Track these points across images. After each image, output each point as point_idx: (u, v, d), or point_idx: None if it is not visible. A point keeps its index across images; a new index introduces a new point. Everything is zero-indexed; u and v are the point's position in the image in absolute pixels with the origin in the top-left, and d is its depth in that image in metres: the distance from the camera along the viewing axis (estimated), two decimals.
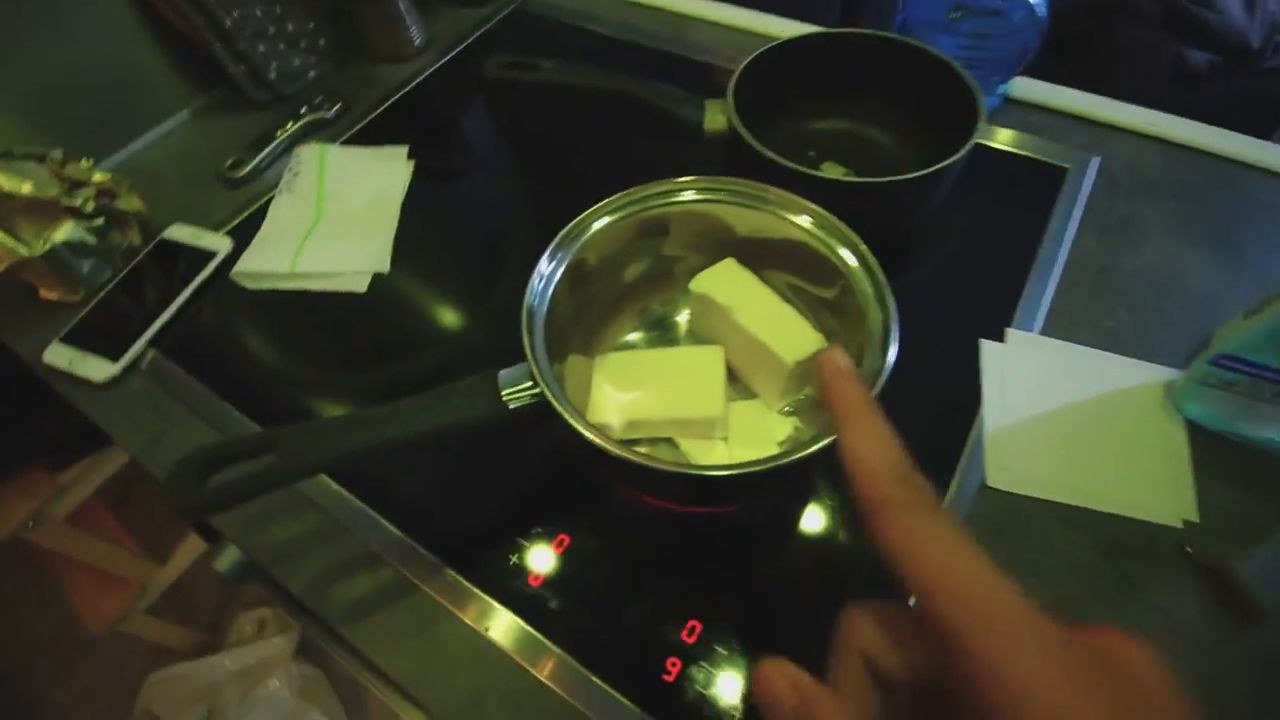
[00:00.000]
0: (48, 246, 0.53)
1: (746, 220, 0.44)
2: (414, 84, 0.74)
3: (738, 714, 0.37)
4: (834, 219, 0.40)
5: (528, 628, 0.40)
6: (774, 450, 0.43)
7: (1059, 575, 0.41)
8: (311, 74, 0.73)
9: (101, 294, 0.57)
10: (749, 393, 0.46)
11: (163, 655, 1.21)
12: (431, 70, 0.75)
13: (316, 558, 0.44)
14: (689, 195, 0.43)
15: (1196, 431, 0.45)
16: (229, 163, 0.65)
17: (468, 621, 0.41)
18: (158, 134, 0.71)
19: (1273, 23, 0.98)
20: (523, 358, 0.36)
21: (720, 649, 0.39)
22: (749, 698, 0.37)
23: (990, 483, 0.44)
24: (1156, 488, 0.44)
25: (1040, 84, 0.65)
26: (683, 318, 0.49)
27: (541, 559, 0.42)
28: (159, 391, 0.52)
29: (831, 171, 0.57)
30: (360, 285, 0.56)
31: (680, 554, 0.43)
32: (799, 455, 0.32)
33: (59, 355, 0.53)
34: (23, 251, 0.53)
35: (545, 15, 0.81)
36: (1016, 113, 0.64)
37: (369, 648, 0.40)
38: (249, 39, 0.67)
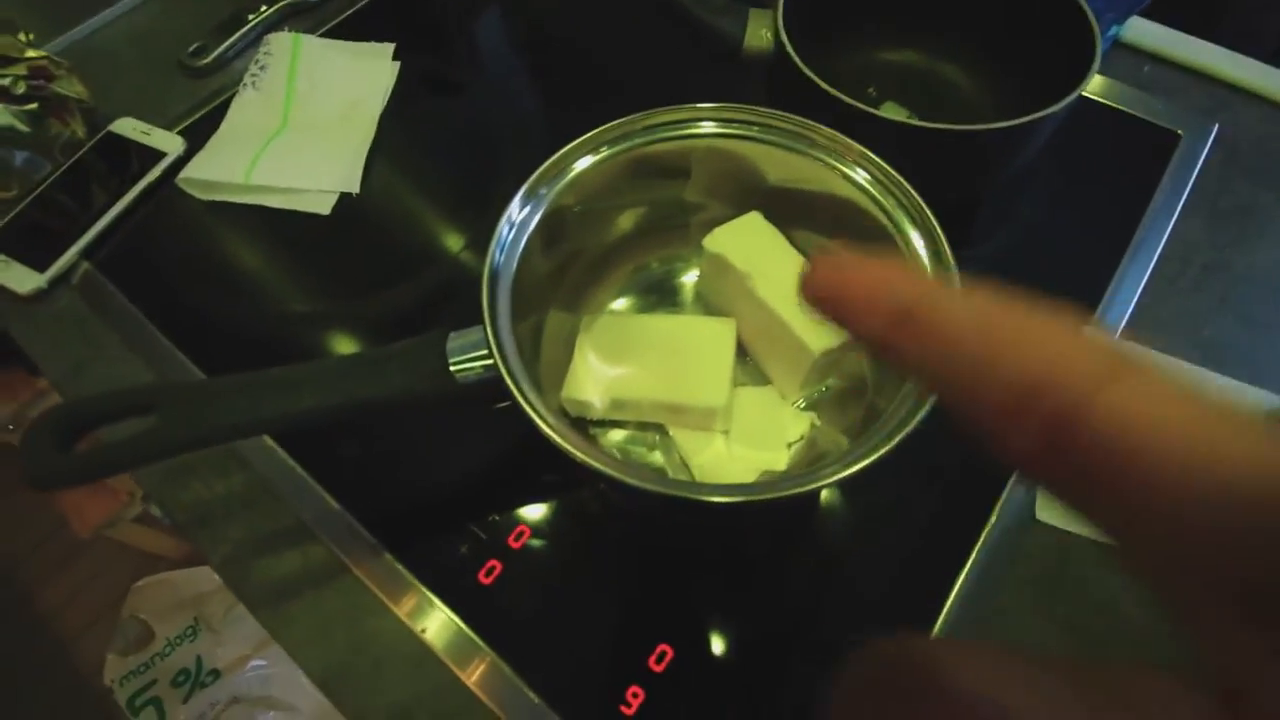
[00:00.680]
0: None
1: (782, 165, 0.35)
2: None
3: None
4: (901, 179, 0.31)
5: (469, 631, 0.34)
6: (781, 453, 0.36)
7: (1118, 631, 0.34)
8: None
9: (36, 192, 0.50)
10: (761, 378, 0.38)
11: (152, 562, 1.22)
12: None
13: (240, 524, 0.38)
14: (707, 127, 0.34)
15: None
16: (192, 48, 0.56)
17: (402, 617, 0.35)
18: (120, 9, 0.62)
19: None
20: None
21: (693, 682, 0.33)
22: None
23: (1040, 516, 0.36)
24: None
25: (1161, 29, 0.53)
26: (688, 280, 0.41)
27: (495, 552, 0.36)
28: (88, 312, 0.46)
29: (893, 114, 0.47)
30: (324, 206, 0.49)
31: (657, 564, 0.36)
32: (835, 478, 0.25)
33: None
34: None
35: None
36: (1127, 61, 0.53)
37: (288, 636, 0.35)
38: None
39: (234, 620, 1.10)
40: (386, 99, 0.54)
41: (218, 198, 0.49)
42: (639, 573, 0.36)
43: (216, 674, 1.07)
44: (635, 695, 0.32)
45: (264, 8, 0.58)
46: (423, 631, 0.34)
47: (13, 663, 1.21)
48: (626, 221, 0.38)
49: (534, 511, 0.37)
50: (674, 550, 0.37)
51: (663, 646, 0.34)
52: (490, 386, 0.29)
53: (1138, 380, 0.09)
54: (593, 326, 0.38)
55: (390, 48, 0.56)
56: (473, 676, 0.33)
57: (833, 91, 0.38)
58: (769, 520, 0.38)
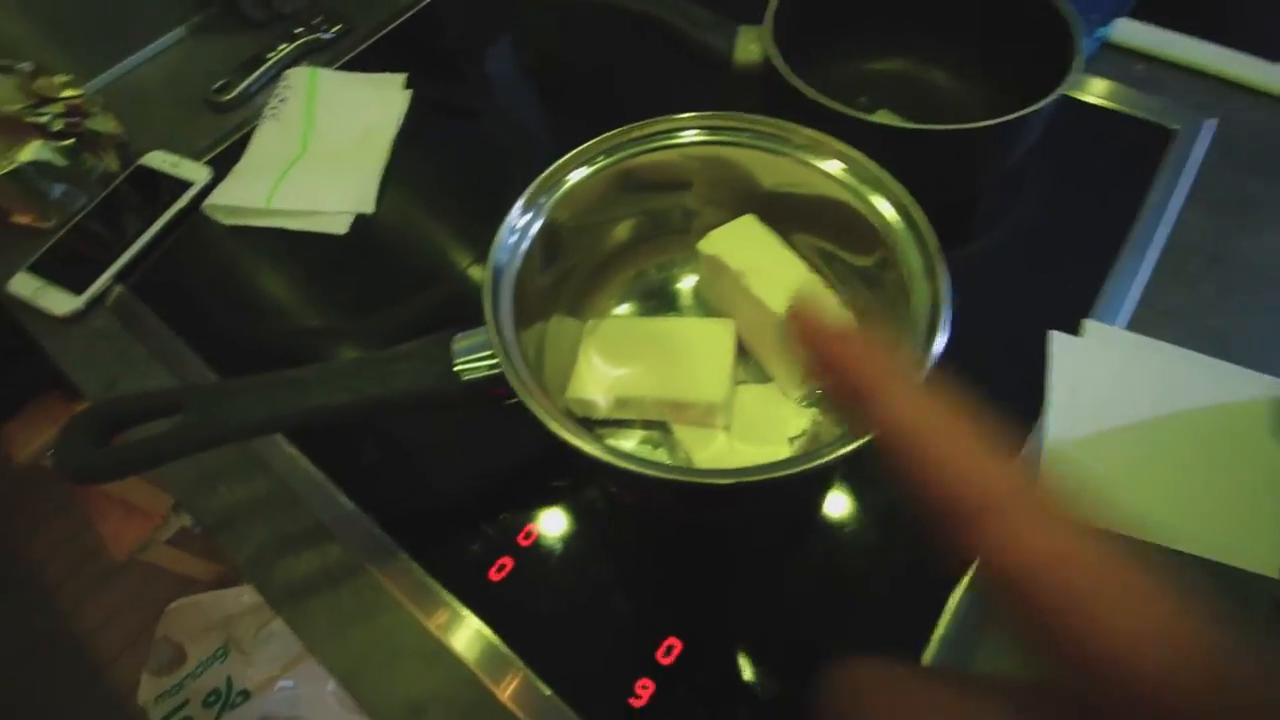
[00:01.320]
0: (11, 166, 0.49)
1: (769, 169, 0.36)
2: (422, 5, 0.66)
3: None
4: (870, 162, 0.32)
5: (482, 627, 0.35)
6: (784, 447, 0.37)
7: None
8: None
9: (73, 221, 0.53)
10: (762, 375, 0.39)
11: (185, 585, 1.24)
12: None
13: (264, 526, 0.40)
14: (693, 135, 0.35)
15: None
16: (216, 86, 0.60)
17: (417, 615, 0.36)
18: (150, 52, 0.66)
19: None
20: None
21: (701, 675, 0.33)
22: None
23: None
24: (1254, 528, 0.35)
25: (1149, 28, 0.54)
26: (686, 284, 0.42)
27: (506, 550, 0.37)
28: (121, 331, 0.48)
29: (887, 120, 0.48)
30: (340, 226, 0.51)
31: (663, 559, 0.37)
32: (820, 462, 0.26)
33: (24, 285, 0.50)
34: None
35: None
36: (1117, 61, 0.53)
37: (308, 632, 0.36)
38: None
39: (262, 641, 1.12)
40: (399, 125, 0.56)
41: (241, 222, 0.52)
42: (646, 568, 0.37)
43: (246, 694, 1.09)
44: (644, 687, 0.33)
45: (283, 46, 0.62)
46: (437, 628, 0.35)
47: (52, 684, 1.24)
48: (624, 229, 0.39)
49: (543, 510, 0.38)
50: (680, 545, 0.37)
51: (671, 640, 0.34)
52: (495, 385, 0.30)
53: (1026, 515, 0.12)
54: (596, 330, 0.39)
55: (402, 77, 0.59)
56: (485, 670, 0.34)
57: (821, 99, 0.40)
58: (772, 511, 0.38)
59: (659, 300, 0.42)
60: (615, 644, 0.34)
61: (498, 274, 0.31)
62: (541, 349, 0.36)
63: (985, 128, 0.38)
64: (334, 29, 0.63)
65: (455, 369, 0.30)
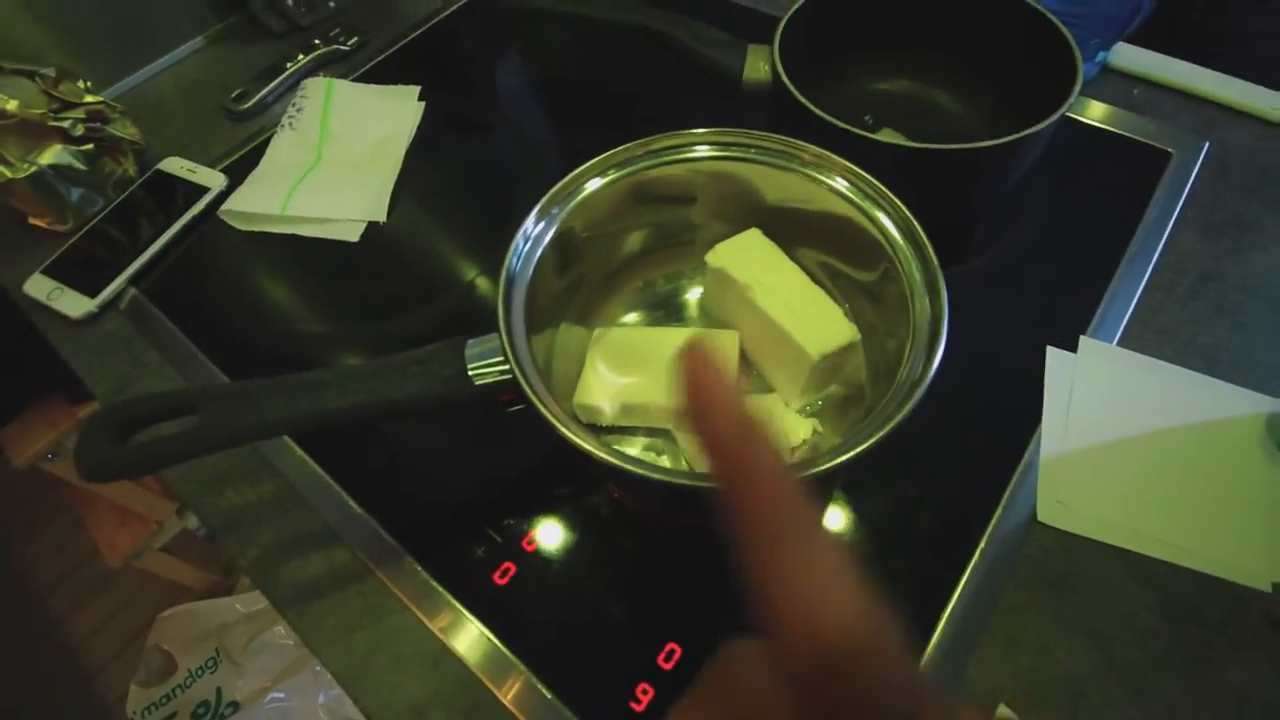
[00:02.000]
0: (32, 169, 0.50)
1: (776, 185, 0.37)
2: (437, 20, 0.68)
3: None
4: (873, 180, 0.33)
5: (485, 631, 0.35)
6: (785, 456, 0.37)
7: (1117, 637, 0.34)
8: (331, 3, 0.68)
9: (89, 225, 0.54)
10: (765, 386, 0.40)
11: (177, 593, 1.24)
12: (457, 6, 0.69)
13: (270, 529, 0.40)
14: (703, 151, 0.36)
15: None
16: (234, 94, 0.61)
17: (422, 617, 0.36)
18: (169, 60, 0.67)
19: None
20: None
21: None
22: None
23: (1041, 518, 0.37)
24: (1244, 542, 0.36)
25: (1147, 53, 0.55)
26: (692, 296, 0.43)
27: (510, 555, 0.37)
28: (134, 334, 0.49)
29: (890, 139, 0.50)
30: (353, 234, 0.52)
31: (665, 566, 0.37)
32: (814, 470, 0.26)
33: (39, 287, 0.51)
34: (5, 173, 0.50)
35: None
36: (1116, 85, 0.55)
37: (313, 635, 0.37)
38: None
39: (254, 652, 1.11)
40: (412, 136, 0.57)
41: (256, 228, 0.53)
42: (648, 574, 0.37)
43: (235, 706, 1.08)
44: (645, 692, 0.33)
45: (301, 56, 0.63)
46: (440, 631, 0.36)
47: (40, 693, 1.22)
48: (635, 240, 0.40)
49: (547, 517, 0.39)
50: (682, 552, 0.38)
51: (671, 645, 0.34)
52: (505, 389, 0.31)
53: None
54: (603, 338, 0.40)
55: (416, 89, 0.60)
56: (487, 673, 0.34)
57: (827, 117, 0.41)
58: None
59: (666, 310, 0.43)
60: (617, 649, 0.35)
61: (510, 281, 0.32)
62: (550, 355, 0.37)
63: (987, 148, 0.39)
64: (351, 41, 0.65)
65: (468, 374, 0.31)
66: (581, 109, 0.61)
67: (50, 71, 0.52)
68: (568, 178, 0.35)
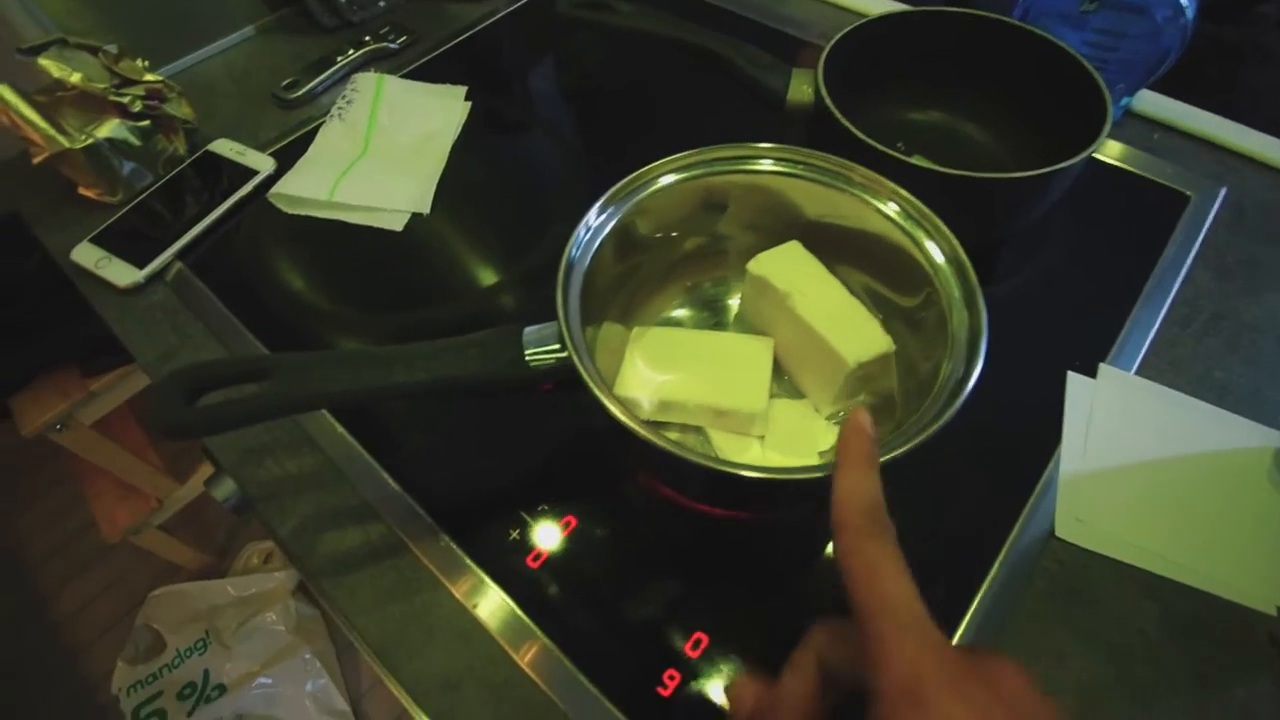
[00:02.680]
0: (89, 141, 0.52)
1: (820, 201, 0.39)
2: (484, 24, 0.70)
3: None
4: (925, 208, 0.35)
5: (518, 610, 0.37)
6: (814, 460, 0.39)
7: (1125, 651, 0.35)
8: (382, 3, 0.70)
9: (139, 198, 0.55)
10: (794, 391, 0.41)
11: (170, 572, 1.23)
12: (505, 13, 0.72)
13: (309, 501, 0.41)
14: (766, 164, 0.38)
15: None
16: (285, 83, 0.63)
17: (455, 594, 0.37)
18: (220, 47, 0.69)
19: None
20: (552, 316, 0.32)
21: (726, 669, 0.35)
22: None
23: (1059, 533, 0.38)
24: (1251, 566, 0.38)
25: (1169, 100, 0.58)
26: (735, 301, 0.44)
27: (544, 539, 0.39)
28: (179, 306, 0.50)
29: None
30: (397, 224, 0.53)
31: (696, 557, 0.39)
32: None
33: (87, 255, 0.52)
34: (63, 143, 0.51)
35: None
36: (1138, 128, 0.57)
37: (348, 605, 0.37)
38: None
39: (245, 636, 1.10)
40: (458, 134, 0.59)
41: (302, 212, 0.54)
42: (678, 563, 0.38)
43: (222, 689, 1.07)
44: (671, 678, 0.34)
45: (351, 51, 0.65)
46: (474, 607, 0.37)
47: (23, 667, 1.21)
48: (687, 243, 0.42)
49: (582, 503, 0.40)
50: (712, 544, 0.39)
51: (699, 634, 0.36)
52: (555, 375, 0.33)
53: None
54: (642, 337, 0.41)
55: (463, 89, 0.62)
56: (519, 651, 0.35)
57: (869, 141, 0.43)
58: (800, 514, 0.40)
59: (711, 311, 0.44)
60: (645, 635, 0.36)
61: (570, 269, 0.34)
62: (593, 348, 0.39)
63: (1019, 179, 0.41)
64: (400, 39, 0.67)
65: (524, 358, 0.32)
66: (611, 117, 0.63)
67: (113, 48, 0.54)
68: (633, 175, 0.36)
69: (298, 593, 1.15)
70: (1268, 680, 0.34)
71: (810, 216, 0.40)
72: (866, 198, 0.37)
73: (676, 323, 0.44)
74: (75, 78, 0.51)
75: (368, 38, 0.66)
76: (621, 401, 0.39)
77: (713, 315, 0.44)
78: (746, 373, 0.39)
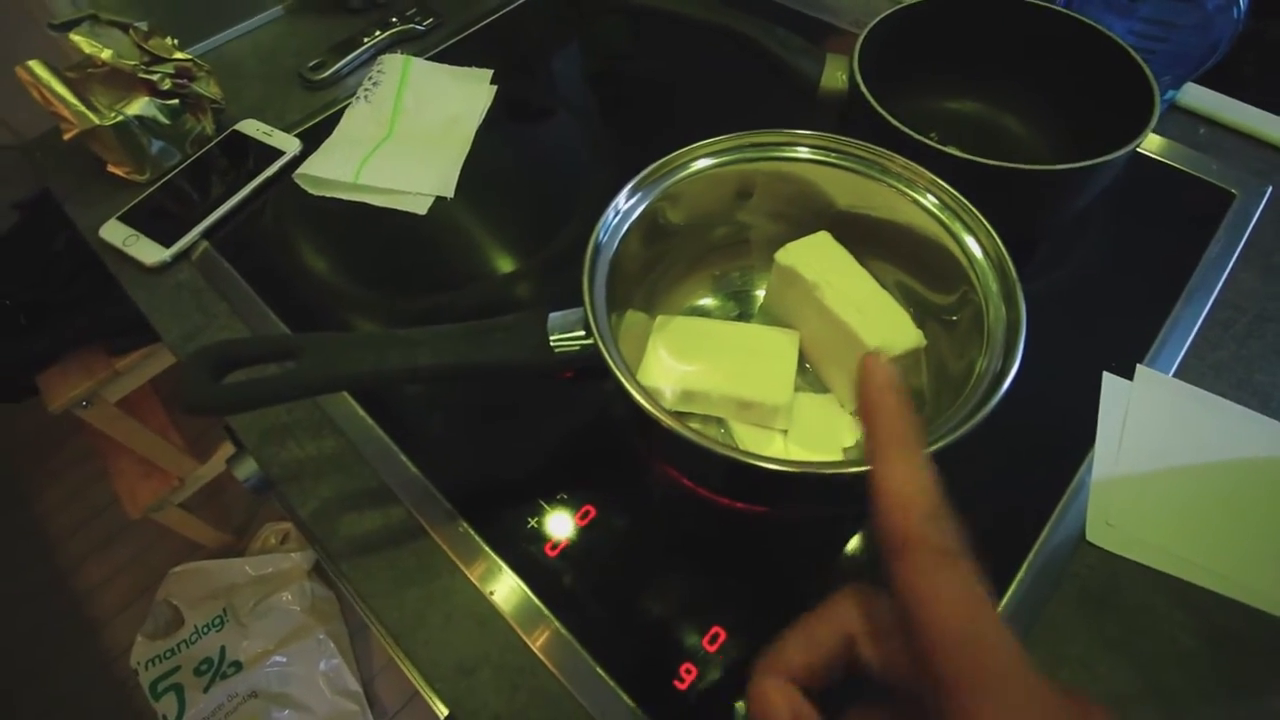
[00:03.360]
0: (119, 118, 0.52)
1: (854, 191, 0.38)
2: (511, 7, 0.70)
3: None
4: (965, 201, 0.34)
5: (534, 599, 0.36)
6: (838, 456, 0.38)
7: (1157, 661, 0.34)
8: None
9: (167, 177, 0.56)
10: (820, 386, 0.40)
11: (189, 550, 1.25)
12: None
13: (329, 483, 0.41)
14: (803, 151, 0.37)
15: None
16: (311, 64, 0.63)
17: (473, 580, 0.37)
18: (248, 26, 0.69)
19: None
20: (577, 303, 0.32)
21: (743, 664, 0.34)
22: None
23: (1090, 538, 0.37)
24: None
25: (1216, 95, 0.56)
26: (761, 292, 0.44)
27: (562, 528, 0.38)
28: (205, 285, 0.50)
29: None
30: (421, 207, 0.53)
31: (716, 551, 0.38)
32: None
33: (115, 232, 0.52)
34: (94, 119, 0.51)
35: None
36: (1182, 123, 0.55)
37: (367, 587, 0.37)
38: None
39: (261, 614, 1.12)
40: (483, 118, 0.59)
41: (327, 193, 0.54)
42: (696, 557, 0.38)
43: (238, 666, 1.09)
44: (688, 671, 0.34)
45: (377, 33, 0.65)
46: (491, 594, 0.37)
47: (45, 639, 1.24)
48: (716, 231, 0.41)
49: (601, 494, 0.39)
50: (731, 537, 0.38)
51: (717, 629, 0.35)
52: (579, 361, 0.32)
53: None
54: (665, 326, 0.40)
55: (489, 73, 0.62)
56: (535, 640, 0.35)
57: (904, 129, 0.42)
58: (823, 510, 0.39)
59: (738, 301, 0.43)
60: (663, 628, 0.35)
61: (597, 253, 0.33)
62: (617, 335, 0.38)
63: (1061, 171, 0.40)
64: (427, 21, 0.66)
65: (549, 343, 0.32)
66: (635, 104, 0.63)
67: (143, 25, 0.54)
68: (666, 158, 0.36)
69: (313, 573, 1.16)
70: None
71: (841, 206, 0.39)
72: (903, 188, 0.36)
73: (701, 312, 0.44)
74: (106, 54, 0.51)
75: (394, 19, 0.66)
76: (646, 391, 0.38)
77: (738, 305, 0.43)
78: (771, 365, 0.38)
